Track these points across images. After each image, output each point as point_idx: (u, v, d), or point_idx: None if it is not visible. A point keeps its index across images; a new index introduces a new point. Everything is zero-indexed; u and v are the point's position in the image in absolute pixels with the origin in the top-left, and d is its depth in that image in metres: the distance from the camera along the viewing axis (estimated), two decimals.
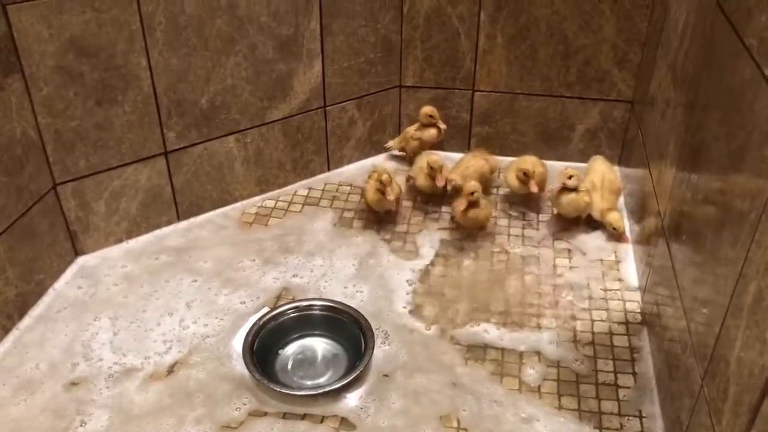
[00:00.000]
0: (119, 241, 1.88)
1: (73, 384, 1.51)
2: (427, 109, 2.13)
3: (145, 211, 1.90)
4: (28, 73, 1.56)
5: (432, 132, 2.15)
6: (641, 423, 1.43)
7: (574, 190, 1.87)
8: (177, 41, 1.73)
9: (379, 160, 2.25)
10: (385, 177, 1.87)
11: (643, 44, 1.98)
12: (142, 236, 1.91)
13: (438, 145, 2.22)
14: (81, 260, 1.83)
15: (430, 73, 2.16)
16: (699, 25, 1.47)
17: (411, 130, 2.17)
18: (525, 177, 1.96)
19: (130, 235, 1.90)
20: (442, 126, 2.15)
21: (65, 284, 1.76)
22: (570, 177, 1.86)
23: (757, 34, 1.09)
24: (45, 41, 1.56)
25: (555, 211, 1.99)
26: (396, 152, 2.25)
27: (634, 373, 1.54)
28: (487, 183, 2.07)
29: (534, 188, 1.94)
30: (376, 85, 2.14)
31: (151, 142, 1.81)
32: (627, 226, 1.95)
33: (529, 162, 2.00)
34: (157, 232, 1.93)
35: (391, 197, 1.88)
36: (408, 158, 2.22)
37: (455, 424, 1.42)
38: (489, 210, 1.91)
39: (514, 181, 2.00)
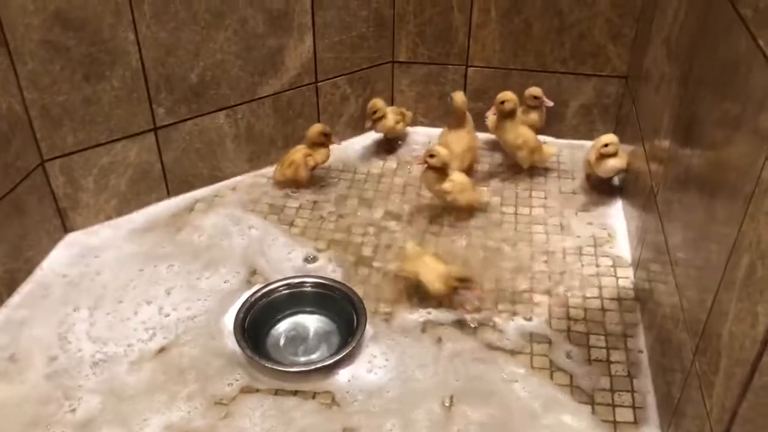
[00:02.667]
0: (109, 217, 1.87)
1: (64, 355, 1.50)
2: (319, 128, 1.95)
3: (135, 188, 1.88)
4: (12, 47, 1.53)
5: (323, 152, 1.97)
6: (633, 398, 1.43)
7: (614, 155, 1.88)
8: (165, 14, 1.70)
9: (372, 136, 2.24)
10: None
11: (638, 19, 1.95)
12: (132, 213, 1.89)
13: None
14: (71, 237, 1.81)
15: (423, 48, 2.13)
16: None
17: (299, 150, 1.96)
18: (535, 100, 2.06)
19: (120, 212, 1.88)
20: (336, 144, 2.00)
21: (55, 261, 1.74)
22: (606, 145, 1.87)
23: (752, 3, 1.07)
24: (30, 14, 1.53)
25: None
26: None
27: (626, 349, 1.54)
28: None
29: (549, 103, 2.07)
30: (368, 61, 2.12)
31: (140, 117, 1.79)
32: (620, 204, 1.95)
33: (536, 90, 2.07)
34: (148, 209, 1.91)
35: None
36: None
37: (447, 402, 1.42)
38: None
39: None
